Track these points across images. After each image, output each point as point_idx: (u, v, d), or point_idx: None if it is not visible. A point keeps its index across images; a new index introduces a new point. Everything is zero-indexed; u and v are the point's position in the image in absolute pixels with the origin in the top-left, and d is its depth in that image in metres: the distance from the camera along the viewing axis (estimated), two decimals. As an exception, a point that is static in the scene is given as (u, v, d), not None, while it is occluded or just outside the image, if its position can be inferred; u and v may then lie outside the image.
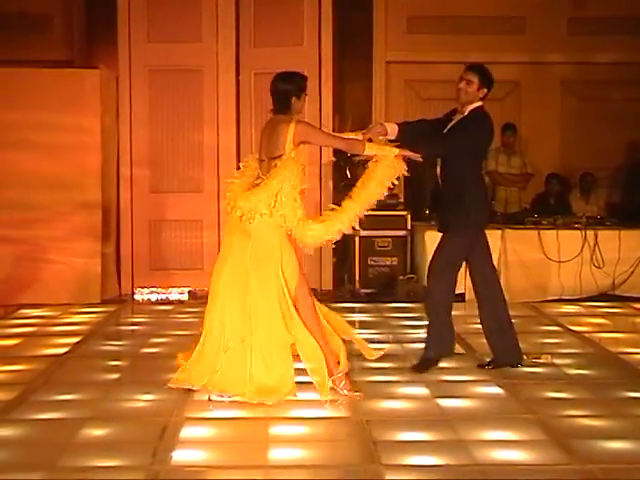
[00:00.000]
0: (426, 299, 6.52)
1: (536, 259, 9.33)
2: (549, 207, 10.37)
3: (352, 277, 9.79)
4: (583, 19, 11.00)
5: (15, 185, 9.24)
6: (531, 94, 11.21)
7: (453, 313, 6.37)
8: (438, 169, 6.31)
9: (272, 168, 5.48)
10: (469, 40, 10.84)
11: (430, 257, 8.90)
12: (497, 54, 10.84)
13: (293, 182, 5.46)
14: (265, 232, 5.49)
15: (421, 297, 9.04)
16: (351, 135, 5.97)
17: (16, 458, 4.56)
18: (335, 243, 9.30)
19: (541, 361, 6.55)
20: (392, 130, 6.01)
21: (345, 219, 5.60)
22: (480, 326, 6.50)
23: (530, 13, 11.11)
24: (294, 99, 5.56)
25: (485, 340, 6.47)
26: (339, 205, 5.70)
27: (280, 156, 5.46)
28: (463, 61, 10.65)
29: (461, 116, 6.15)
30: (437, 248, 6.33)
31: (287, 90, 5.56)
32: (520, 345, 6.41)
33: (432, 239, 9.35)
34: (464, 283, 9.28)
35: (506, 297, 9.20)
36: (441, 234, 6.37)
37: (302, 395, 5.59)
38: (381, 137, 5.97)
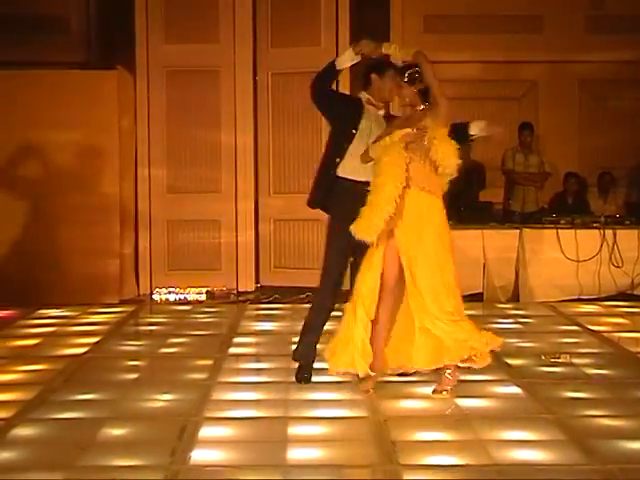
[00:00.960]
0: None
1: (554, 258, 9.30)
2: (567, 206, 10.33)
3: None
4: (601, 17, 10.95)
5: (34, 185, 9.29)
6: (549, 93, 11.17)
7: (472, 312, 6.33)
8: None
9: None
10: (486, 39, 10.81)
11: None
12: (515, 53, 10.85)
13: None
14: None
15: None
16: None
17: (36, 457, 4.58)
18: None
19: (560, 361, 6.53)
20: None
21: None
22: (498, 325, 6.46)
23: (548, 12, 11.06)
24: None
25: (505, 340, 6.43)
26: None
27: None
28: (481, 60, 10.79)
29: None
30: None
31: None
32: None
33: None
34: (482, 283, 9.34)
35: (524, 297, 9.30)
36: None
37: (319, 395, 5.60)
38: None
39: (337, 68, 5.97)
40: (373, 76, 5.88)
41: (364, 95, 5.94)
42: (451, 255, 5.67)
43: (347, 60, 5.93)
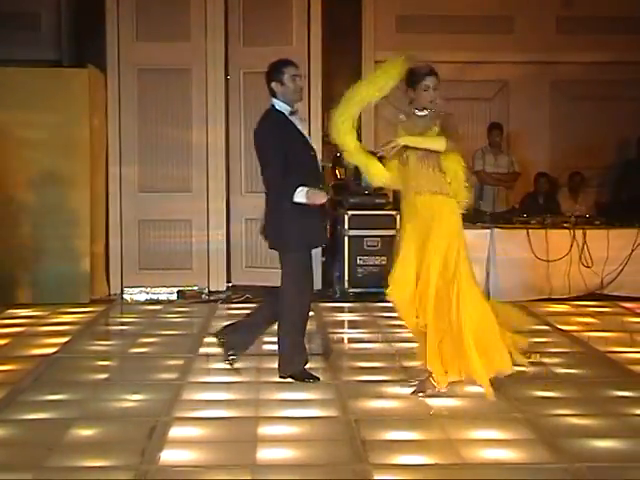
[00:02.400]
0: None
1: (525, 258, 9.34)
2: (538, 206, 10.39)
3: (341, 276, 9.78)
4: (571, 18, 11.02)
5: (3, 184, 9.22)
6: (520, 93, 11.23)
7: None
8: None
9: None
10: (458, 39, 10.85)
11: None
12: (486, 53, 10.90)
13: None
14: None
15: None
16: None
17: (4, 458, 4.55)
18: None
19: (530, 360, 6.55)
20: None
21: None
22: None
23: (519, 12, 11.13)
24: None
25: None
26: None
27: None
28: (452, 60, 10.81)
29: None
30: None
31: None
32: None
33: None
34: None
35: (495, 296, 9.31)
36: None
37: (290, 395, 5.61)
38: None
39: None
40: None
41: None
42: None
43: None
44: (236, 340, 6.16)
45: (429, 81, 5.73)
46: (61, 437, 4.84)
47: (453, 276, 5.47)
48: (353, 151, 5.73)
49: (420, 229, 5.60)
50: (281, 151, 5.81)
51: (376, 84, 5.72)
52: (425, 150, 5.62)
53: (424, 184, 5.62)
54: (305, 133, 6.09)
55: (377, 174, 5.73)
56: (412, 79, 5.72)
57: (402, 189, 5.75)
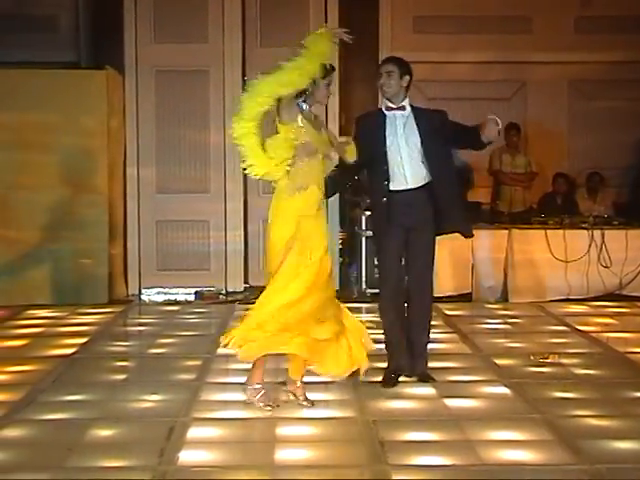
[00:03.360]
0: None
1: (543, 259, 9.32)
2: (556, 207, 10.36)
3: (359, 277, 9.78)
4: (590, 18, 10.96)
5: (21, 185, 9.26)
6: (538, 93, 11.19)
7: (460, 312, 6.33)
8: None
9: None
10: (476, 40, 10.82)
11: (436, 256, 8.95)
12: (504, 53, 10.86)
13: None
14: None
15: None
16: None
17: (24, 458, 4.57)
18: (341, 243, 9.33)
19: (548, 361, 6.54)
20: None
21: None
22: (486, 326, 6.45)
23: (537, 12, 11.08)
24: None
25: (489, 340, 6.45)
26: None
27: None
28: (469, 61, 10.80)
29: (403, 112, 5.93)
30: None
31: None
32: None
33: (439, 238, 9.39)
34: (471, 283, 9.36)
35: (513, 297, 9.30)
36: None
37: (308, 396, 5.60)
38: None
39: None
40: None
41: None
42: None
43: None
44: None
45: (332, 77, 5.55)
46: (80, 437, 4.86)
47: None
48: (240, 136, 5.54)
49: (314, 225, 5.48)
50: None
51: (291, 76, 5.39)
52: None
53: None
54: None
55: (254, 164, 5.47)
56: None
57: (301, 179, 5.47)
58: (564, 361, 6.59)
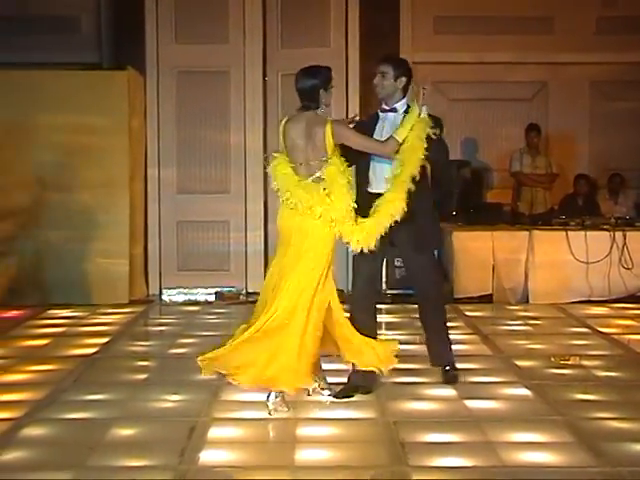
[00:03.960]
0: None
1: (564, 260, 9.29)
2: (577, 208, 10.32)
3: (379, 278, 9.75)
4: (611, 18, 10.91)
5: (43, 186, 9.31)
6: (559, 94, 11.14)
7: (481, 314, 6.31)
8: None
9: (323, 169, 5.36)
10: (496, 40, 10.79)
11: (457, 257, 8.96)
12: (525, 54, 10.83)
13: (342, 182, 5.36)
14: (322, 233, 5.40)
15: (449, 297, 9.06)
16: None
17: (46, 457, 4.60)
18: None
19: (569, 363, 6.52)
20: None
21: (393, 208, 5.40)
22: (507, 327, 6.40)
23: (558, 13, 11.03)
24: (321, 92, 5.40)
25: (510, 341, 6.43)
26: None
27: (326, 159, 5.34)
28: (490, 62, 10.77)
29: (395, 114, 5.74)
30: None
31: (314, 84, 5.40)
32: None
33: (459, 240, 9.41)
34: (492, 284, 9.34)
35: (534, 298, 9.28)
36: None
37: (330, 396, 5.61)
38: None
39: None
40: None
41: None
42: None
43: None
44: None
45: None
46: (102, 436, 4.88)
47: None
48: None
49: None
50: None
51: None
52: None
53: None
54: None
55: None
56: (330, 79, 5.53)
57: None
58: (585, 363, 6.57)
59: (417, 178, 5.45)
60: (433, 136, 5.45)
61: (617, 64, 10.88)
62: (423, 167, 5.55)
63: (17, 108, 9.33)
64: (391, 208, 5.41)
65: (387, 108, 5.75)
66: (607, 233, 9.35)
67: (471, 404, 5.49)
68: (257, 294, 9.40)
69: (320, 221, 5.34)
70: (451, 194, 5.87)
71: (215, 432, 4.99)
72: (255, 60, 10.32)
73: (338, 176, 5.35)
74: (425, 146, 5.42)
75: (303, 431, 4.98)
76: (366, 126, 5.75)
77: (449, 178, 5.79)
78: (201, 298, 9.94)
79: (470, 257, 9.34)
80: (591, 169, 10.98)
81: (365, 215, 5.45)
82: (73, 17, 10.71)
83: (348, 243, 5.42)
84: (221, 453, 4.66)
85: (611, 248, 9.28)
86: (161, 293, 10.12)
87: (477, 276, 9.34)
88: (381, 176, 5.65)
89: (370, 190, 5.69)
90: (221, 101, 10.36)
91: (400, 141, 5.38)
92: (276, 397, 5.28)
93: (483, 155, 11.12)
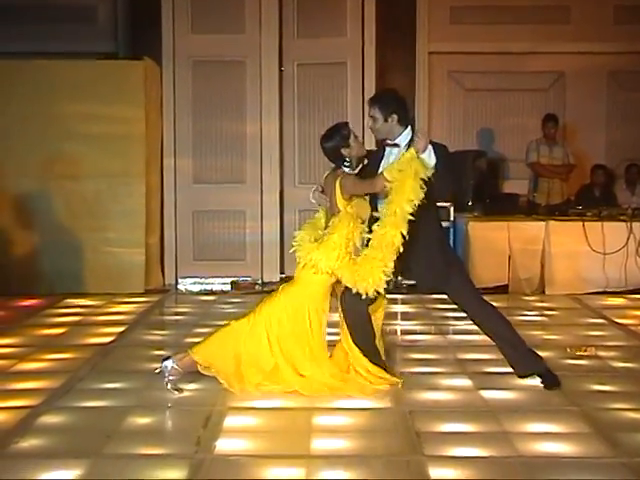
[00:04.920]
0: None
1: (580, 251, 9.26)
2: (594, 198, 10.29)
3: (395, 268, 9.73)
4: (630, 7, 10.84)
5: (60, 175, 9.34)
6: (576, 84, 11.09)
7: (497, 304, 6.25)
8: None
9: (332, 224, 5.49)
10: (513, 30, 10.76)
11: (473, 248, 8.92)
12: (541, 44, 10.79)
13: (348, 236, 5.44)
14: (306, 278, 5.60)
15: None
16: None
17: (62, 445, 4.62)
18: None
19: (585, 354, 6.51)
20: None
21: (384, 239, 5.33)
22: (523, 318, 6.33)
23: (575, 2, 10.98)
24: (344, 150, 5.48)
25: (526, 332, 6.36)
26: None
27: (338, 212, 5.48)
28: (507, 52, 10.72)
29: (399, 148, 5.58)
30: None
31: (333, 146, 5.51)
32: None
33: (476, 230, 9.40)
34: (508, 275, 9.32)
35: (550, 289, 9.25)
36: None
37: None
38: None
39: None
40: None
41: None
42: None
43: None
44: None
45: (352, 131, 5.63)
46: (118, 425, 4.90)
47: None
48: None
49: None
50: None
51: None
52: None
53: None
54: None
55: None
56: (348, 135, 5.51)
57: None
58: (601, 354, 6.55)
59: (414, 212, 5.27)
60: (426, 179, 5.25)
61: (635, 54, 10.82)
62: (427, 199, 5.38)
63: (34, 97, 9.36)
64: (382, 240, 5.33)
65: (390, 143, 5.64)
66: (624, 224, 9.31)
67: (487, 394, 5.48)
68: (272, 284, 9.50)
69: (307, 267, 5.53)
70: (448, 187, 5.68)
71: (231, 421, 5.00)
72: (271, 50, 10.32)
73: (337, 228, 5.43)
74: (419, 189, 5.22)
75: (319, 420, 4.99)
76: (373, 160, 5.62)
77: (447, 182, 5.63)
78: (217, 288, 9.97)
79: (486, 247, 9.32)
80: (608, 159, 10.94)
81: None
82: (90, 7, 10.75)
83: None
84: (237, 442, 4.66)
85: (628, 239, 9.24)
86: (177, 282, 10.15)
87: (493, 266, 9.32)
88: None
89: None
90: (237, 91, 10.37)
91: (389, 179, 5.32)
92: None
93: (499, 145, 11.09)
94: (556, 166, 10.37)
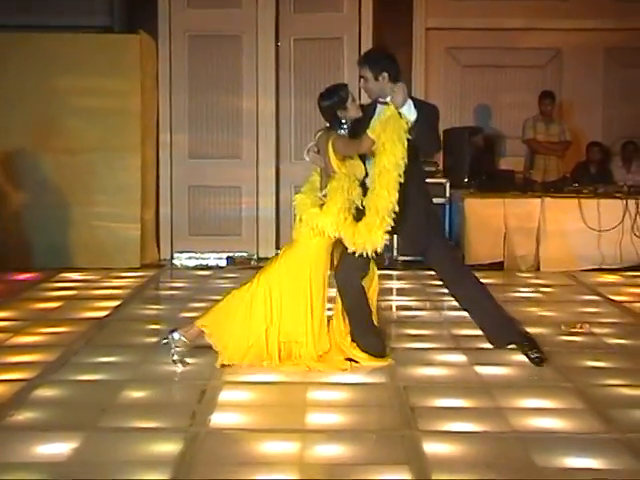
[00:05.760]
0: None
1: (576, 228, 9.26)
2: (590, 176, 10.28)
3: (390, 244, 9.75)
4: (626, -16, 10.81)
5: (56, 149, 9.32)
6: (573, 61, 11.06)
7: (492, 281, 6.27)
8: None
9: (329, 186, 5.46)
10: (510, 6, 10.72)
11: (468, 224, 8.92)
12: (538, 20, 10.74)
13: (348, 197, 5.41)
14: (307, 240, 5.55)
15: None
16: None
17: (57, 418, 4.63)
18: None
19: (580, 330, 6.52)
20: None
21: (379, 202, 5.33)
22: (518, 294, 6.35)
23: (573, -21, 10.95)
24: (340, 112, 5.46)
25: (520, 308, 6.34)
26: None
27: (333, 172, 5.44)
28: (504, 27, 10.68)
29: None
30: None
31: (330, 106, 5.49)
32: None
33: (471, 207, 9.39)
34: (503, 252, 9.33)
35: (545, 266, 9.24)
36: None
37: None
38: None
39: None
40: None
41: None
42: None
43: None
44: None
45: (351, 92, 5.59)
46: (113, 398, 4.91)
47: None
48: None
49: None
50: None
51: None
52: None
53: None
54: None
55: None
56: (346, 98, 5.49)
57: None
58: (595, 330, 6.57)
59: (401, 175, 5.28)
60: (409, 137, 5.24)
61: (632, 30, 10.76)
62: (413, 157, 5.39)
63: (29, 71, 9.33)
64: (377, 203, 5.32)
65: (382, 101, 5.56)
66: (620, 201, 9.31)
67: (481, 370, 5.50)
68: (268, 259, 9.47)
69: (306, 229, 5.48)
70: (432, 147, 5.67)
71: (226, 395, 5.01)
72: (267, 25, 10.28)
73: (337, 191, 5.39)
74: (401, 146, 5.22)
75: (313, 395, 5.00)
76: (364, 118, 5.54)
77: (430, 140, 5.58)
78: (212, 263, 9.98)
79: (482, 224, 9.32)
80: (604, 137, 10.92)
81: None
82: (86, -19, 10.68)
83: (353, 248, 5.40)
84: (232, 416, 4.68)
85: (623, 216, 9.24)
86: (172, 257, 10.16)
87: (488, 243, 9.33)
88: None
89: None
90: (233, 66, 10.34)
91: (374, 139, 5.30)
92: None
93: (496, 122, 11.07)
94: (552, 143, 10.35)
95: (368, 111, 5.61)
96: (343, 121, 5.49)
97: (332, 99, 5.50)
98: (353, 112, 5.50)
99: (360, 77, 5.62)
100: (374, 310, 5.71)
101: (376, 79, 5.52)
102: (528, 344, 5.71)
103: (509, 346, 5.77)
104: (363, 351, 5.60)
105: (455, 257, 5.91)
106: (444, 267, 5.79)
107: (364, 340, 5.62)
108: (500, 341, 5.79)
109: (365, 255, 5.36)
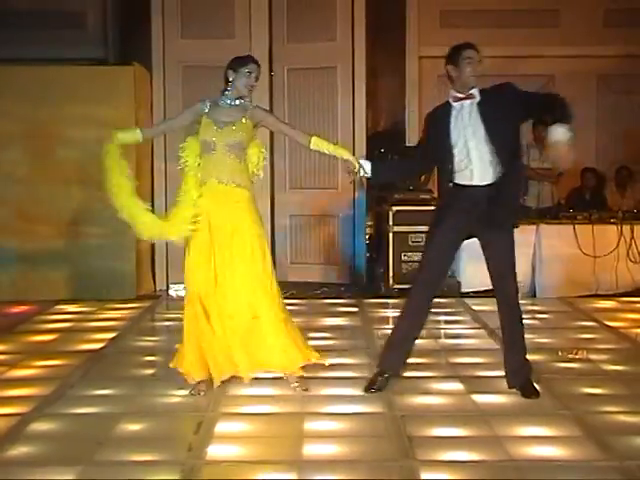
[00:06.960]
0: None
1: (571, 254, 9.26)
2: (584, 201, 10.29)
3: (386, 273, 9.75)
4: (619, 11, 10.86)
5: (50, 181, 9.32)
6: (566, 88, 11.02)
7: (488, 308, 6.28)
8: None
9: None
10: (503, 34, 10.76)
11: (462, 251, 8.90)
12: (531, 48, 10.80)
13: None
14: None
15: (456, 292, 9.08)
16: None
17: (53, 452, 4.61)
18: (369, 238, 9.33)
19: (577, 357, 6.51)
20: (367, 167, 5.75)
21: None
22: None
23: (565, 6, 11.00)
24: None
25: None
26: None
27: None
28: (497, 55, 10.71)
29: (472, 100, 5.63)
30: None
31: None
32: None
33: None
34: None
35: (541, 292, 9.23)
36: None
37: (336, 391, 5.61)
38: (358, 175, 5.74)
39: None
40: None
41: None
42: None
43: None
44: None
45: (252, 67, 5.91)
46: (109, 431, 4.89)
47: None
48: (123, 204, 6.00)
49: (223, 217, 5.86)
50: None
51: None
52: (237, 142, 5.75)
53: (228, 175, 5.84)
54: None
55: (146, 227, 6.04)
56: (235, 65, 5.78)
57: (202, 175, 5.95)
58: (593, 357, 6.56)
59: None
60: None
61: (624, 57, 10.83)
62: None
63: (25, 102, 9.32)
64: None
65: (462, 96, 5.53)
66: (614, 227, 9.33)
67: (478, 398, 5.48)
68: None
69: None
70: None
71: (222, 427, 4.99)
72: (261, 55, 10.26)
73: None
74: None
75: (310, 426, 4.98)
76: (439, 118, 5.55)
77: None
78: (208, 293, 9.93)
79: (476, 251, 9.28)
80: (598, 162, 10.94)
81: None
82: (79, 13, 10.76)
83: None
84: (229, 448, 4.66)
85: (618, 242, 9.26)
86: (168, 288, 10.12)
87: (484, 270, 9.25)
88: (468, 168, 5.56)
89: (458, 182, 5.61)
90: (227, 96, 10.34)
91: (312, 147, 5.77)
92: None
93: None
94: (546, 170, 10.36)
95: (443, 113, 5.54)
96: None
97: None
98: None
99: (468, 58, 5.58)
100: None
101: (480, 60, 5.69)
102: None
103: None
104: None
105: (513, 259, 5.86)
106: (499, 260, 5.85)
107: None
108: (516, 382, 5.61)
109: None
